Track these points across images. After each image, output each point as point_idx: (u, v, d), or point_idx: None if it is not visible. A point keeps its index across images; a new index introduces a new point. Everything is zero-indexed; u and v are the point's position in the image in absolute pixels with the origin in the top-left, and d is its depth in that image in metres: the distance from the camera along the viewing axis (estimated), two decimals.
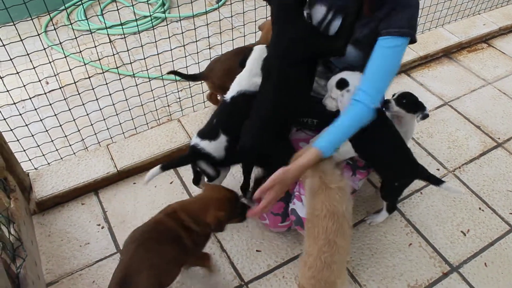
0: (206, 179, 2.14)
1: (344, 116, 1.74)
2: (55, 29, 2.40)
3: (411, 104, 2.01)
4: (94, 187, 2.44)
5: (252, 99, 1.98)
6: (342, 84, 1.83)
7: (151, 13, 3.94)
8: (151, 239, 1.67)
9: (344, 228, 1.66)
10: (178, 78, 2.96)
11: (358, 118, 1.73)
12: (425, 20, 3.60)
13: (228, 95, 2.07)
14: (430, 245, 2.19)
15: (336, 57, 1.92)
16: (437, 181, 2.00)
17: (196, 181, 2.26)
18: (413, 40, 1.73)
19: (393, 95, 2.07)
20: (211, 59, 2.61)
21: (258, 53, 2.09)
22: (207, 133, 2.03)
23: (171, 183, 2.48)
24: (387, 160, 1.99)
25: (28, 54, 2.10)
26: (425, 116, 2.00)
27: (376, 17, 1.72)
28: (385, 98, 2.03)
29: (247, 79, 2.06)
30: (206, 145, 2.00)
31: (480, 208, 2.37)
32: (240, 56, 2.17)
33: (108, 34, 2.59)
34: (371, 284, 2.04)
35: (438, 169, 2.56)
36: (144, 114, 2.69)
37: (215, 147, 2.00)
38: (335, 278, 1.64)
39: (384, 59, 1.71)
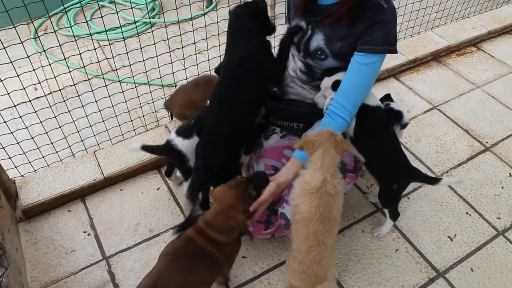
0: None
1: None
2: (38, 36, 2.39)
3: (388, 112, 2.04)
4: (81, 194, 2.43)
5: None
6: (338, 86, 1.85)
7: (137, 20, 3.94)
8: (184, 256, 1.68)
9: (334, 230, 1.68)
10: (165, 83, 2.97)
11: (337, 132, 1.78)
12: (414, 23, 3.61)
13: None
14: (416, 251, 2.19)
15: (317, 64, 1.94)
16: (433, 180, 2.03)
17: (169, 173, 2.40)
18: (393, 52, 1.78)
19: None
20: (176, 88, 2.59)
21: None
22: (183, 131, 2.09)
23: (158, 189, 2.47)
24: (386, 161, 2.00)
25: (11, 62, 2.09)
26: (404, 126, 2.02)
27: (353, 34, 1.76)
28: None
29: None
30: (179, 142, 2.07)
31: (467, 213, 2.36)
32: (202, 88, 2.20)
33: (93, 40, 2.58)
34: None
35: (426, 174, 2.56)
36: (131, 120, 2.68)
37: (187, 146, 2.05)
38: (325, 272, 1.67)
39: (359, 75, 1.77)
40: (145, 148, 2.17)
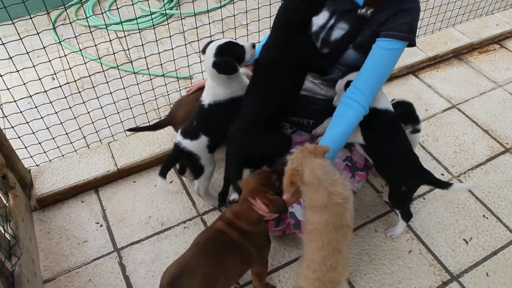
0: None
1: (341, 120, 1.74)
2: (54, 27, 2.39)
3: (403, 114, 1.99)
4: (94, 185, 2.45)
5: (228, 105, 1.98)
6: None
7: (153, 11, 3.93)
8: (213, 248, 1.67)
9: (348, 236, 1.65)
10: (181, 75, 2.96)
11: (354, 121, 1.75)
12: (436, 20, 3.52)
13: (205, 101, 2.02)
14: (430, 253, 2.15)
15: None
16: (443, 185, 1.97)
17: (182, 171, 2.38)
18: (411, 44, 1.76)
19: (392, 100, 2.04)
20: (175, 102, 2.42)
21: (210, 63, 1.96)
22: (189, 132, 2.06)
23: (170, 182, 2.47)
24: (395, 164, 1.95)
25: (27, 53, 2.10)
26: (416, 131, 1.98)
27: (376, 21, 1.73)
28: None
29: (218, 90, 1.98)
30: (188, 144, 2.05)
31: (484, 216, 2.31)
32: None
33: (110, 31, 2.57)
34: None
35: (443, 174, 2.51)
36: (146, 113, 2.68)
37: (197, 146, 2.05)
38: (339, 276, 1.64)
39: (381, 61, 1.72)
40: (163, 173, 2.07)
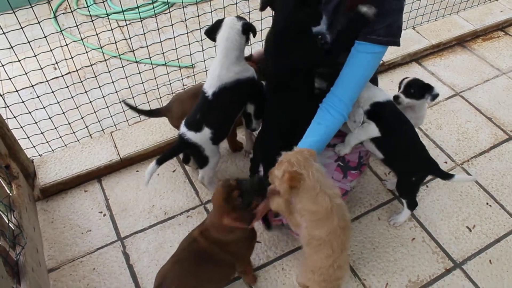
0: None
1: (318, 128, 1.73)
2: (55, 16, 2.38)
3: (419, 91, 2.00)
4: (97, 175, 2.45)
5: (235, 88, 1.98)
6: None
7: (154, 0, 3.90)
8: (187, 259, 1.70)
9: (350, 233, 1.65)
10: (183, 64, 2.94)
11: (333, 130, 1.75)
12: (439, 7, 3.49)
13: (209, 91, 2.00)
14: (433, 240, 2.15)
15: None
16: (445, 176, 1.97)
17: (186, 160, 2.41)
18: (395, 45, 1.70)
19: (399, 87, 2.03)
20: (173, 96, 2.40)
21: (230, 33, 1.95)
22: (193, 124, 2.05)
23: (173, 171, 2.47)
24: (404, 155, 1.96)
25: (28, 42, 2.09)
26: (435, 96, 1.99)
27: None
28: (394, 94, 2.03)
29: (226, 70, 1.97)
30: (193, 136, 2.04)
31: (487, 203, 2.31)
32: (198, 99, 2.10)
33: (112, 20, 2.55)
34: (371, 278, 2.01)
35: (446, 162, 2.50)
36: (148, 102, 2.67)
37: (200, 138, 2.04)
38: (344, 273, 1.66)
39: (361, 65, 1.69)
40: (161, 161, 2.07)
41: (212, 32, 1.99)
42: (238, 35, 1.93)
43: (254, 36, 1.98)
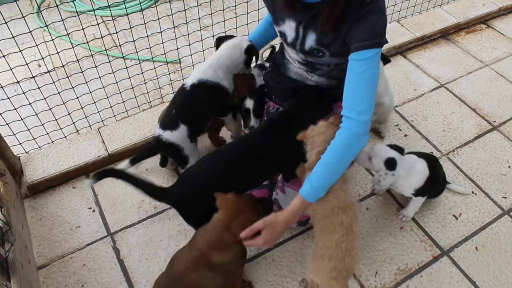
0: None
1: (328, 152, 1.66)
2: (40, 11, 2.35)
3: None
4: (85, 171, 2.43)
5: (212, 89, 2.02)
6: (392, 164, 1.93)
7: None
8: None
9: (357, 214, 1.70)
10: (169, 59, 2.93)
11: (344, 149, 1.64)
12: (423, 0, 3.53)
13: (188, 82, 2.03)
14: (421, 229, 2.19)
15: (316, 60, 1.92)
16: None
17: (163, 164, 2.40)
18: (381, 45, 1.66)
19: None
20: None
21: (234, 45, 2.07)
22: (167, 123, 2.04)
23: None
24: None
25: (13, 37, 2.06)
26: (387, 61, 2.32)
27: (341, 34, 1.67)
28: None
29: (212, 70, 2.02)
30: (169, 135, 2.03)
31: (473, 192, 2.35)
32: None
33: (97, 16, 2.54)
34: (361, 267, 2.03)
35: (432, 152, 2.54)
36: (136, 97, 2.66)
37: (178, 136, 2.03)
38: (355, 264, 1.63)
39: (357, 74, 1.63)
40: (134, 160, 2.08)
41: (222, 41, 2.11)
42: (239, 50, 2.06)
43: (256, 59, 2.11)
